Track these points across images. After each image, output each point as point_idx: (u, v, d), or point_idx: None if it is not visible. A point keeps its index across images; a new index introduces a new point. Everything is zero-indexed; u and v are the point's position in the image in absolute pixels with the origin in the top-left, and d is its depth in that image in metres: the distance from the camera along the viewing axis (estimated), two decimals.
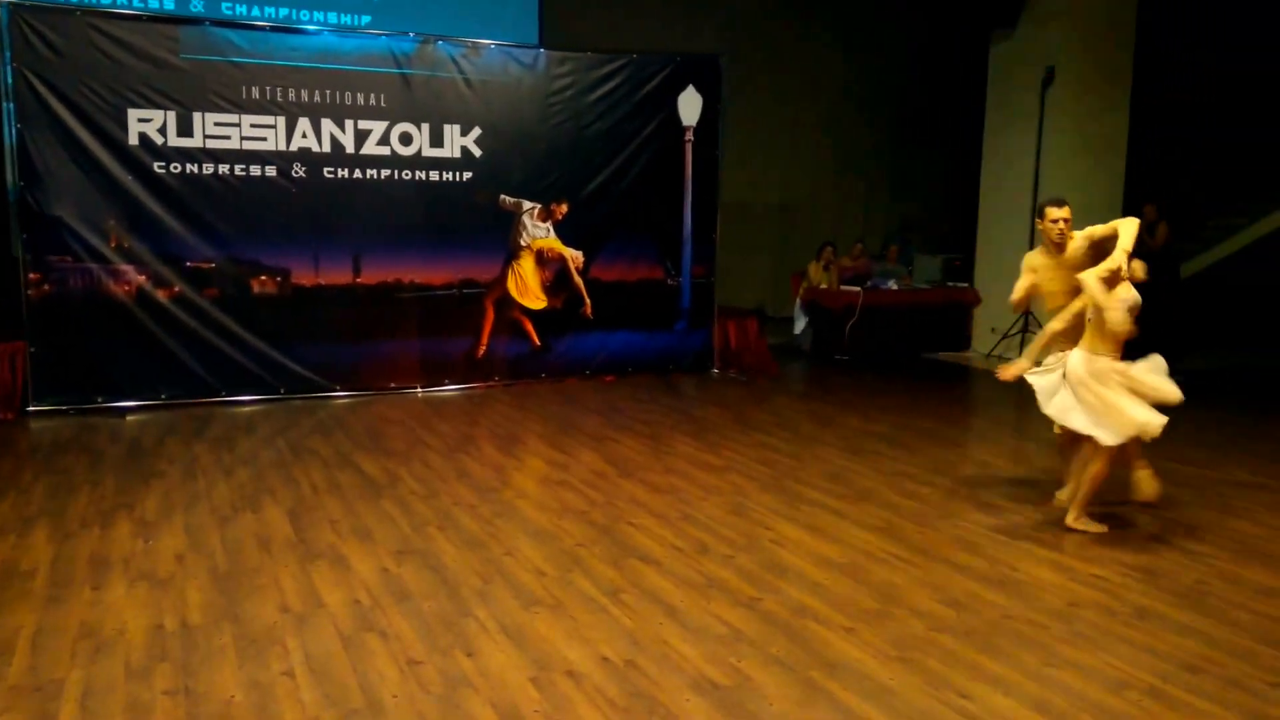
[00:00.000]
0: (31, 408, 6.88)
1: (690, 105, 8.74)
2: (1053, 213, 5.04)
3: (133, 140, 7.02)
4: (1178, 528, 4.74)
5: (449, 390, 8.07)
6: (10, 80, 6.75)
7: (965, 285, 10.67)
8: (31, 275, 6.87)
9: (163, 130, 7.08)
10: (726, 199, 9.18)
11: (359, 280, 7.78)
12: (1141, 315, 4.67)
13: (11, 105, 6.81)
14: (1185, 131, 11.70)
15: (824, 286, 10.30)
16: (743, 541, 4.47)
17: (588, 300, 8.54)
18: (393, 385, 7.93)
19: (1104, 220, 5.11)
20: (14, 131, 6.82)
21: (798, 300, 10.55)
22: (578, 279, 8.50)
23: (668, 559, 4.22)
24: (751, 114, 11.22)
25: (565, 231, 8.43)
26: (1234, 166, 11.66)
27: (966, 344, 10.69)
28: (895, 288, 10.35)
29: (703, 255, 8.99)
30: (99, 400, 7.10)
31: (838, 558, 4.27)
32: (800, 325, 10.52)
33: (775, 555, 4.30)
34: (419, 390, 7.99)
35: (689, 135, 8.79)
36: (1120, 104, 10.05)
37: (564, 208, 8.36)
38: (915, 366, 9.88)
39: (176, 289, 7.25)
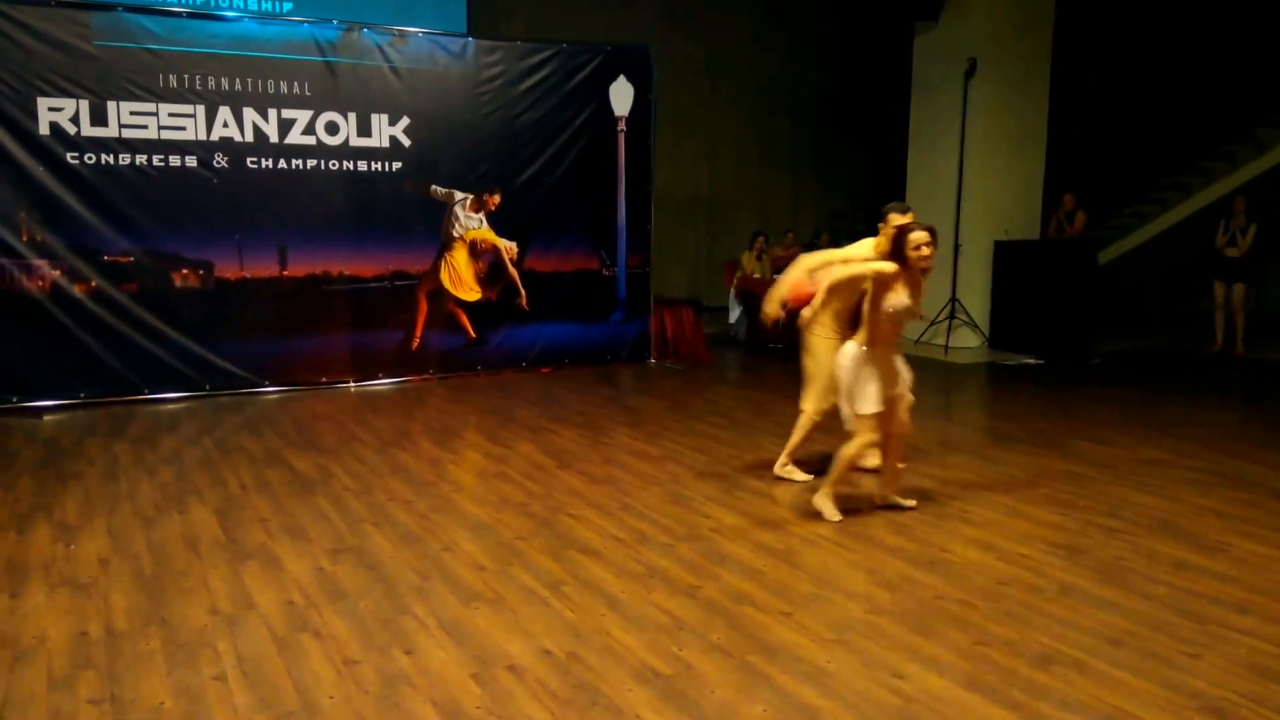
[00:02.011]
0: None
1: (622, 95, 8.73)
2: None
3: (43, 130, 6.78)
4: (1096, 506, 4.89)
5: (382, 384, 7.96)
6: None
7: None
8: None
9: (75, 119, 6.86)
10: (658, 189, 9.20)
11: (285, 273, 7.62)
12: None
13: None
14: (1103, 120, 12.06)
15: (757, 276, 10.39)
16: (682, 530, 4.49)
17: (523, 291, 8.49)
18: (324, 380, 7.79)
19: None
20: None
21: (731, 289, 10.63)
22: (512, 270, 8.44)
23: (608, 549, 4.23)
24: (680, 105, 11.24)
25: (499, 222, 8.36)
26: (1149, 154, 12.06)
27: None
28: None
29: (638, 245, 9.01)
30: (13, 400, 6.85)
31: (774, 544, 4.32)
32: (735, 314, 10.61)
33: (715, 543, 4.33)
34: (351, 385, 7.87)
35: (621, 125, 8.78)
36: (1040, 94, 10.30)
37: (497, 198, 8.29)
38: None
39: (93, 283, 7.02)
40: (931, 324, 10.15)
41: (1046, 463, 5.72)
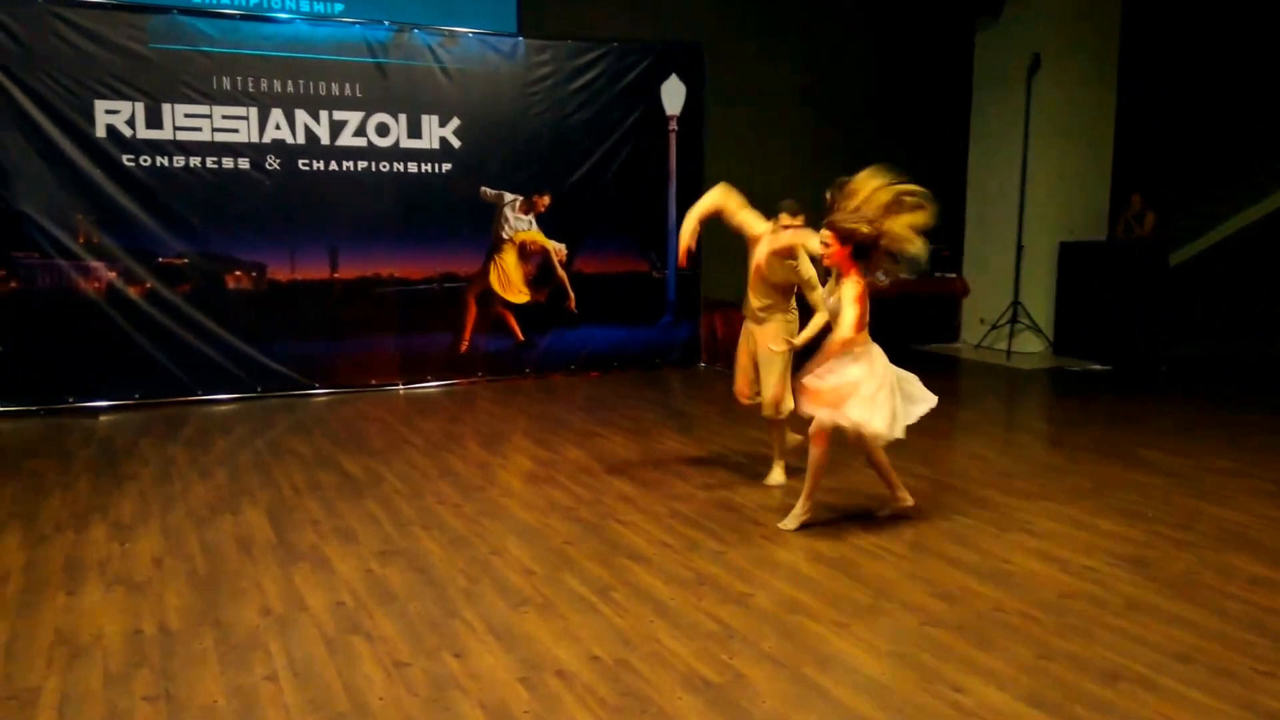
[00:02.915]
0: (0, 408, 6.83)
1: (673, 94, 8.76)
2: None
3: (100, 133, 6.97)
4: (1165, 517, 4.80)
5: (431, 387, 8.07)
6: None
7: (953, 275, 10.73)
8: None
9: (131, 122, 7.04)
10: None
11: (336, 275, 7.76)
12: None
13: None
14: (1173, 117, 11.81)
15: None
16: (733, 537, 4.50)
17: (572, 294, 8.55)
18: (373, 382, 7.92)
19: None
20: None
21: None
22: (561, 272, 8.51)
23: (657, 555, 4.25)
24: (732, 103, 11.22)
25: (548, 224, 8.43)
26: (1223, 153, 11.78)
27: (956, 335, 10.77)
28: (883, 279, 10.37)
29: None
30: (70, 400, 7.06)
31: (828, 552, 4.31)
32: None
33: (767, 551, 4.33)
34: (400, 387, 7.99)
35: (673, 125, 8.81)
36: (1107, 90, 10.12)
37: (546, 199, 8.36)
38: (903, 358, 9.86)
39: (148, 285, 7.21)
40: (993, 328, 10.03)
41: (1112, 472, 5.63)
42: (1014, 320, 9.89)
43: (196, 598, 3.78)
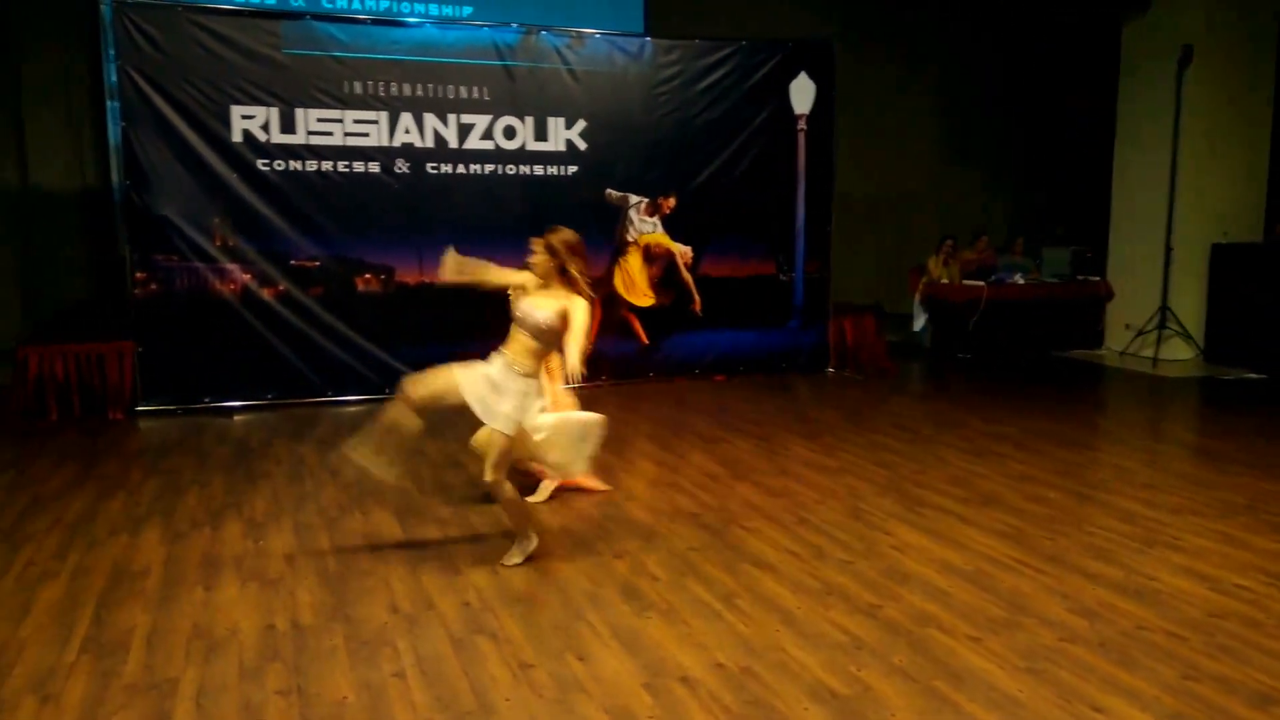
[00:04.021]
0: (140, 407, 7.26)
1: (803, 93, 8.71)
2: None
3: (236, 137, 7.32)
4: None
5: None
6: (115, 79, 7.13)
7: (1097, 279, 10.35)
8: (138, 275, 7.23)
9: (266, 127, 7.38)
10: (838, 190, 9.11)
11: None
12: None
13: (117, 104, 7.20)
14: None
15: (945, 281, 10.12)
16: (861, 547, 4.45)
17: (697, 297, 8.58)
18: None
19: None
20: (119, 130, 7.20)
21: (916, 296, 10.40)
22: (686, 275, 8.55)
23: (783, 564, 4.24)
24: (862, 101, 11.07)
25: (673, 226, 8.49)
26: None
27: (1099, 341, 10.37)
28: (1022, 282, 10.10)
29: (817, 250, 8.95)
30: (206, 400, 7.44)
31: (962, 564, 4.22)
32: (920, 322, 10.37)
33: (895, 561, 4.27)
34: None
35: (801, 124, 8.75)
36: (1264, 83, 9.64)
37: (672, 201, 8.42)
38: (1044, 365, 9.63)
39: (281, 287, 7.54)
40: (1140, 334, 9.64)
41: (1268, 488, 5.34)
42: (1162, 326, 9.50)
43: (327, 595, 3.95)
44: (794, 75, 8.68)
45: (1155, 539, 4.54)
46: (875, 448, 6.27)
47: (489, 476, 4.15)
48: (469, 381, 4.25)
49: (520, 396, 4.18)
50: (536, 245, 4.26)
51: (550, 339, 4.22)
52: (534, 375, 4.25)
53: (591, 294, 4.27)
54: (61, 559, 4.34)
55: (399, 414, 4.33)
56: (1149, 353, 9.49)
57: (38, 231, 9.43)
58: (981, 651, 3.40)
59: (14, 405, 6.98)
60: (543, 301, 4.20)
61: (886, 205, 12.04)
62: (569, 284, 4.19)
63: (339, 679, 3.25)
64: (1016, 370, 9.21)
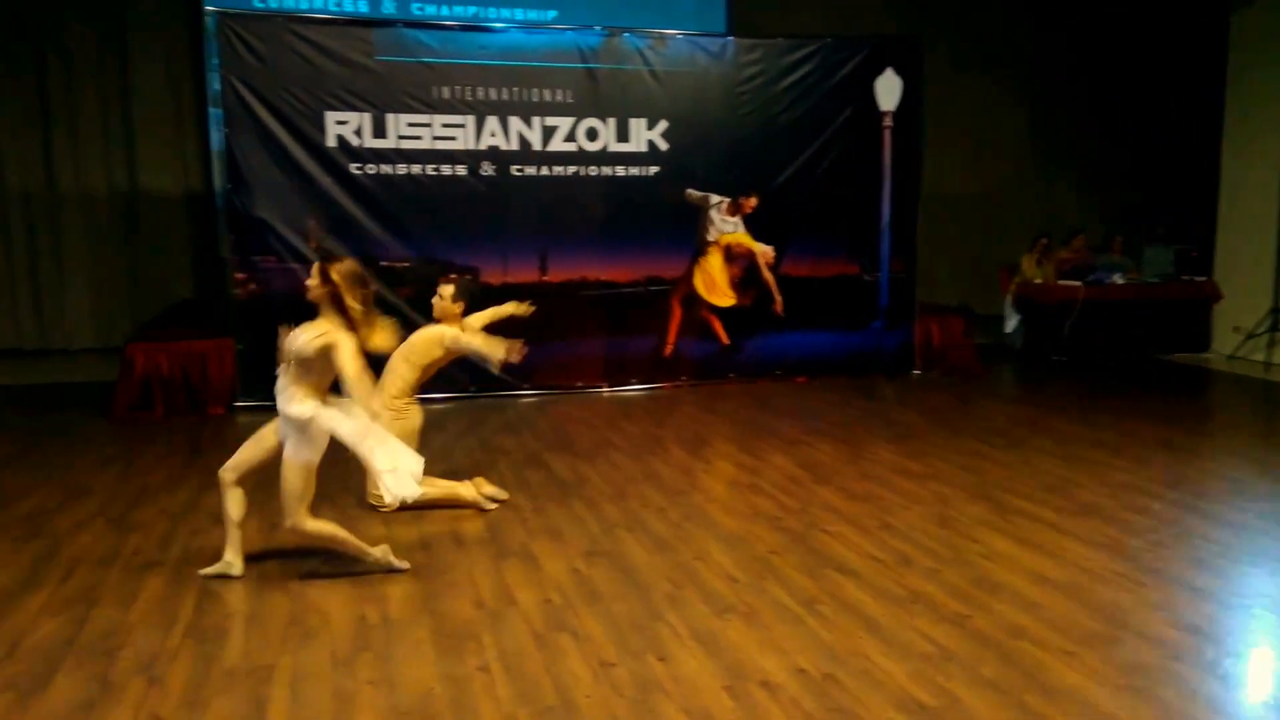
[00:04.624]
0: (239, 403, 7.50)
1: (889, 89, 8.57)
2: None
3: (330, 142, 7.53)
4: None
5: (634, 390, 8.25)
6: (218, 87, 7.40)
7: (1203, 279, 9.97)
8: (238, 276, 7.47)
9: (358, 132, 7.57)
10: (925, 189, 8.96)
11: (545, 278, 8.07)
12: None
13: (219, 111, 7.47)
14: None
15: (1039, 281, 9.86)
16: (949, 554, 4.37)
17: (778, 297, 8.52)
18: (579, 385, 8.19)
19: None
20: (221, 137, 7.46)
21: (1008, 296, 10.16)
22: (768, 275, 8.50)
23: (867, 570, 4.19)
24: (951, 97, 10.87)
25: (755, 226, 8.45)
26: None
27: (1205, 344, 9.99)
28: (1121, 282, 9.79)
29: (902, 249, 8.81)
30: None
31: (1056, 575, 4.11)
32: (1011, 323, 10.12)
33: (985, 570, 4.18)
34: (604, 390, 8.21)
35: (887, 121, 8.62)
36: None
37: (753, 201, 8.38)
38: (1145, 368, 9.31)
39: (372, 288, 7.69)
40: (1250, 337, 9.27)
41: None
42: (1274, 328, 9.11)
43: (415, 588, 4.04)
44: (879, 72, 8.55)
45: (1268, 553, 4.36)
46: (964, 453, 6.15)
47: (285, 521, 4.01)
48: (272, 428, 4.14)
49: (296, 433, 3.97)
50: (314, 270, 4.11)
51: (317, 369, 3.98)
52: (308, 407, 3.97)
53: (368, 332, 4.03)
54: (166, 547, 4.52)
55: (232, 504, 4.19)
56: (1260, 356, 9.15)
57: (145, 234, 9.86)
58: (1077, 666, 3.31)
59: (123, 400, 7.28)
60: (308, 327, 4.02)
61: (975, 204, 11.81)
62: (342, 316, 3.98)
63: (426, 671, 3.32)
64: (1115, 374, 8.93)
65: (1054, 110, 11.95)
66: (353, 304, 3.98)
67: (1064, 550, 4.41)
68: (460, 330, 5.22)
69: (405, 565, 4.23)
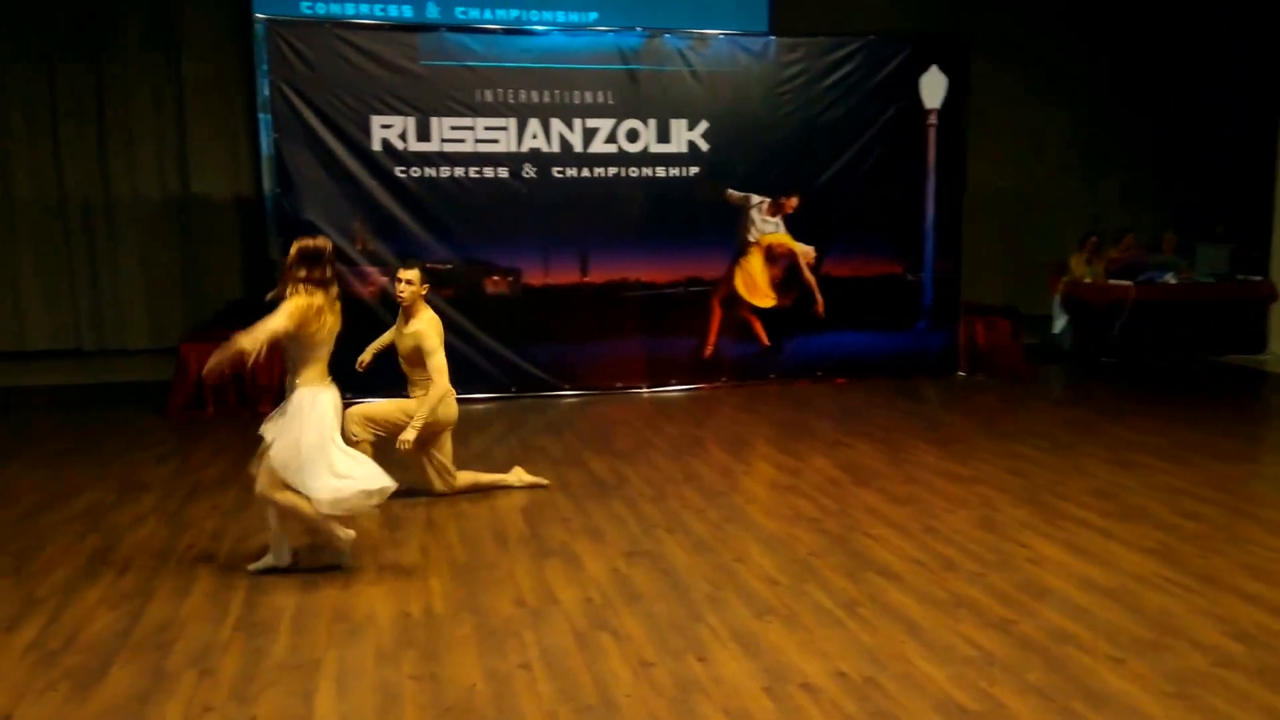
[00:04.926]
0: None
1: (933, 87, 8.50)
2: (401, 274, 5.17)
3: (376, 146, 7.63)
4: None
5: (674, 391, 8.26)
6: (267, 93, 7.53)
7: (1259, 278, 9.76)
8: None
9: (403, 135, 7.66)
10: (970, 187, 8.86)
11: (586, 280, 8.11)
12: None
13: (268, 116, 7.60)
14: None
15: (1088, 281, 9.72)
16: (994, 559, 4.33)
17: (819, 298, 8.49)
18: (618, 385, 8.21)
19: None
20: (270, 141, 7.59)
21: (1056, 296, 10.02)
22: (809, 276, 8.47)
23: (909, 573, 4.16)
24: (997, 94, 10.74)
25: (796, 226, 8.42)
26: None
27: (1262, 345, 9.78)
28: (1173, 281, 9.62)
29: (947, 249, 8.72)
30: (347, 396, 7.69)
31: (1104, 581, 4.06)
32: (1060, 324, 9.98)
33: (1031, 575, 4.13)
34: (644, 390, 8.23)
35: (931, 119, 8.55)
36: None
37: (794, 201, 8.35)
38: (1198, 371, 9.13)
39: None
40: None
41: None
42: None
43: (457, 585, 4.09)
44: (924, 70, 8.47)
45: None
46: (1010, 456, 6.08)
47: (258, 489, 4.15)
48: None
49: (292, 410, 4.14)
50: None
51: (290, 348, 4.16)
52: (297, 389, 4.16)
53: (299, 298, 4.09)
54: (219, 543, 4.63)
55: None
56: None
57: (198, 237, 10.06)
58: (1124, 673, 3.27)
59: (177, 399, 7.44)
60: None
61: (1022, 202, 11.66)
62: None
63: (468, 667, 3.36)
64: (1166, 376, 8.77)
65: (1103, 106, 11.77)
66: (295, 275, 4.14)
67: (1112, 555, 4.36)
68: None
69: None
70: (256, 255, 9.93)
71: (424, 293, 5.22)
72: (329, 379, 4.25)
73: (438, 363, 5.08)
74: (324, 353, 4.21)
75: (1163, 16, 11.52)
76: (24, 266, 9.55)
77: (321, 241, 4.21)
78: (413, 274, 5.17)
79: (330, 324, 4.18)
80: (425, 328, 5.13)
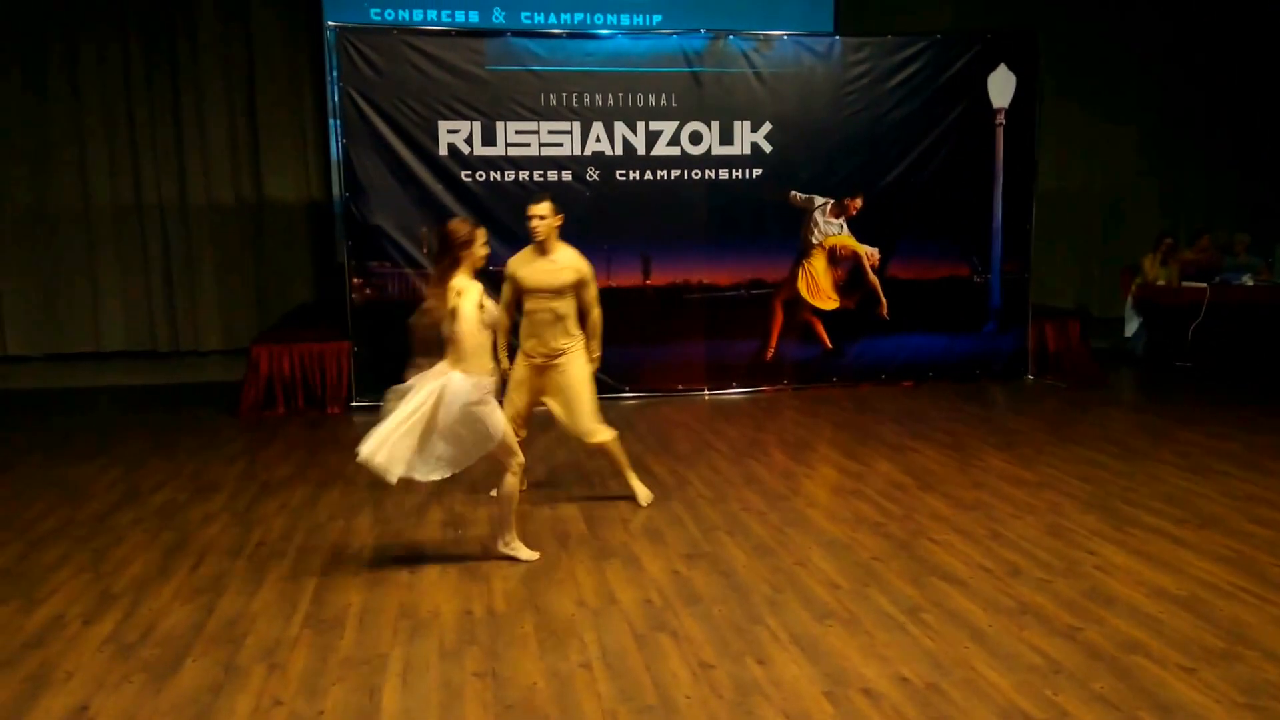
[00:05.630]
0: (355, 403, 7.77)
1: (1002, 85, 8.36)
2: (531, 210, 5.08)
3: (442, 151, 7.74)
4: None
5: (735, 393, 8.24)
6: (337, 99, 7.69)
7: None
8: (354, 280, 7.76)
9: (469, 140, 7.76)
10: (1041, 187, 8.70)
11: (648, 282, 8.14)
12: None
13: (338, 122, 7.76)
14: None
15: (1162, 283, 9.49)
16: (1061, 565, 4.26)
17: (884, 300, 8.41)
18: (679, 387, 8.22)
19: None
20: (340, 146, 7.75)
21: (1129, 299, 9.80)
22: (873, 278, 8.39)
23: (974, 579, 4.11)
24: (1069, 92, 10.54)
25: (860, 227, 8.35)
26: None
27: None
28: (1250, 283, 9.34)
29: (1015, 249, 8.58)
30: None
31: (1175, 589, 3.97)
32: (1132, 327, 9.76)
33: (1100, 582, 4.06)
34: (705, 392, 8.23)
35: (1000, 118, 8.42)
36: None
37: (858, 202, 8.29)
38: (1275, 375, 8.85)
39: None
40: None
41: None
42: None
43: (519, 584, 4.14)
44: (993, 67, 8.34)
45: None
46: (1079, 461, 5.97)
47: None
48: None
49: None
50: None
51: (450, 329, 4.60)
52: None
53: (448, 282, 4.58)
54: (287, 540, 4.74)
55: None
56: None
57: (269, 241, 10.30)
58: (1195, 684, 3.20)
59: (248, 399, 7.64)
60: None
61: (1093, 202, 11.42)
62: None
63: (529, 666, 3.40)
64: (1243, 381, 8.52)
65: (1176, 105, 11.46)
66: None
67: (1183, 563, 4.26)
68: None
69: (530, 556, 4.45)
70: (326, 259, 10.15)
71: (559, 223, 5.12)
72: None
73: (596, 292, 5.16)
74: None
75: (1239, 16, 11.19)
76: (101, 269, 9.86)
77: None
78: (543, 208, 5.08)
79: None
80: (576, 258, 5.11)
